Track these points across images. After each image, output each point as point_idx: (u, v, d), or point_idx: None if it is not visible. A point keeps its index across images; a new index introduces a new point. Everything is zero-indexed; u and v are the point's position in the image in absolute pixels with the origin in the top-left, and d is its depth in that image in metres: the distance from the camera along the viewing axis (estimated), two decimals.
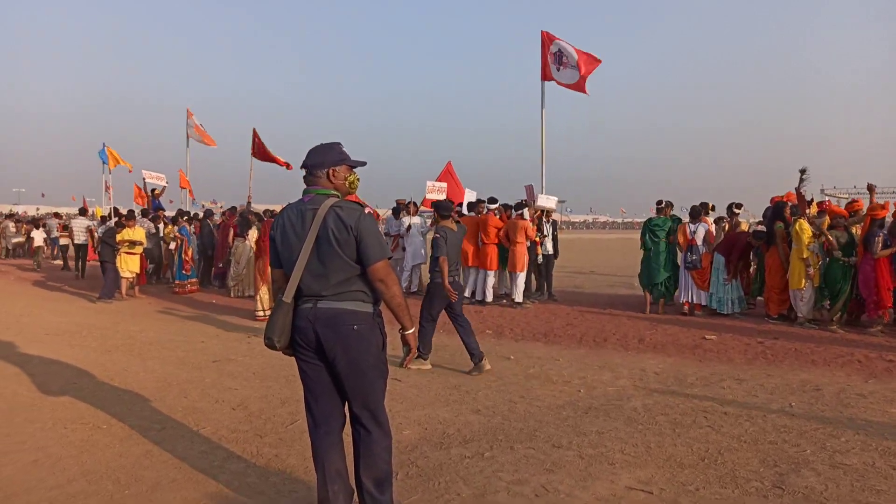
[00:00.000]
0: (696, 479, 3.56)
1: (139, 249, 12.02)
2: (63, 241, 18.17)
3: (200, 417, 4.72)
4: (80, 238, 15.78)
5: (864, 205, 8.48)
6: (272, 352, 3.00)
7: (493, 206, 10.82)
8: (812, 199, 8.85)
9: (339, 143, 2.95)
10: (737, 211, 9.88)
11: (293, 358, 2.93)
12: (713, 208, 10.01)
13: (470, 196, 12.15)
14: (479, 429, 4.45)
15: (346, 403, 2.91)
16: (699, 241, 9.03)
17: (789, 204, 8.59)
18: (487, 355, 6.97)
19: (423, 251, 11.58)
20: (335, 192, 2.86)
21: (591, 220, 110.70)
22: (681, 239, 9.26)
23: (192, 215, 14.71)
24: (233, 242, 12.36)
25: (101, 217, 16.61)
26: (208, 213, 14.90)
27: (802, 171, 8.79)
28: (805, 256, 7.96)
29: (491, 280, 10.46)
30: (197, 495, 3.38)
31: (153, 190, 16.10)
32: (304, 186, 2.91)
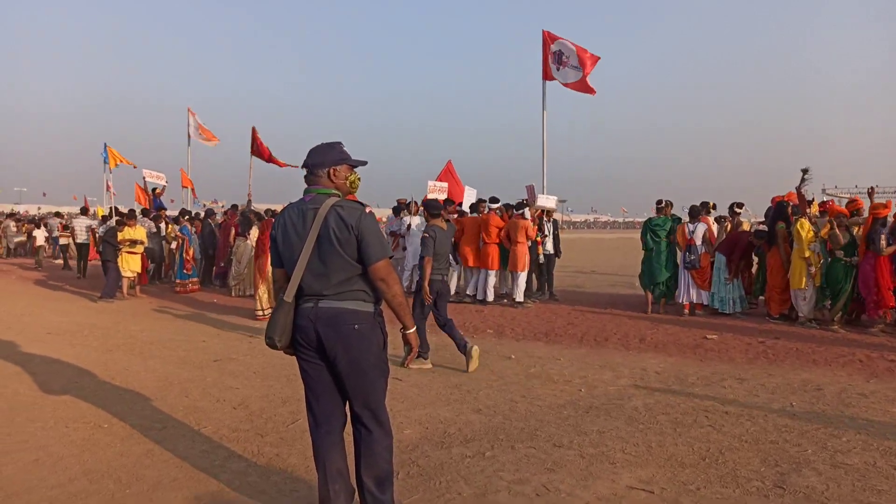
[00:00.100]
0: (697, 479, 3.55)
1: (140, 249, 12.03)
2: (63, 241, 18.18)
3: (201, 416, 4.72)
4: (81, 237, 15.79)
5: (864, 205, 8.49)
6: (273, 351, 3.00)
7: (494, 206, 10.82)
8: (813, 199, 8.85)
9: (339, 143, 2.95)
10: (738, 210, 9.88)
11: (294, 357, 2.93)
12: (714, 207, 10.01)
13: (470, 194, 12.13)
14: (480, 428, 4.45)
15: (347, 403, 2.91)
16: (698, 241, 9.02)
17: (790, 204, 8.59)
18: (488, 354, 6.99)
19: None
20: (336, 192, 2.86)
21: (592, 220, 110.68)
22: (679, 239, 9.26)
23: (193, 215, 14.72)
24: (234, 242, 12.37)
25: (102, 216, 16.61)
26: (209, 213, 14.91)
27: (804, 171, 8.79)
28: (806, 256, 7.96)
29: (492, 280, 10.46)
30: (198, 494, 3.38)
31: (154, 189, 16.11)
32: (305, 186, 2.91)
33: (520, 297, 10.03)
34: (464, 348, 6.19)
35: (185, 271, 12.75)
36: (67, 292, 13.01)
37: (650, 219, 9.85)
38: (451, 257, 10.76)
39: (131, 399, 5.17)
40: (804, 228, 7.99)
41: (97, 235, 14.67)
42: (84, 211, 17.94)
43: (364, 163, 2.99)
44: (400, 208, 12.17)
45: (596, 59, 11.58)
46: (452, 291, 10.79)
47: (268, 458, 3.91)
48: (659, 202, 9.97)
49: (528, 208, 10.31)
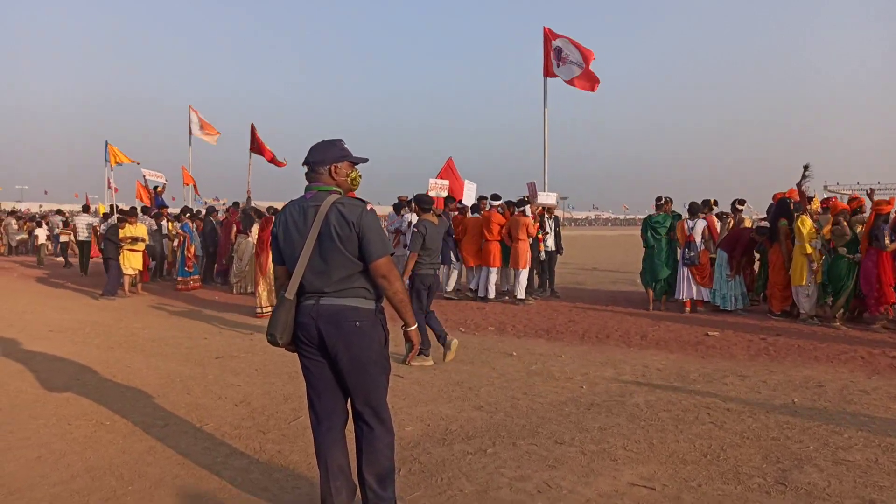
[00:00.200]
0: (699, 476, 3.55)
1: (141, 246, 12.04)
2: (63, 238, 18.20)
3: (203, 414, 4.73)
4: (83, 235, 15.81)
5: (866, 203, 8.48)
6: (275, 348, 3.00)
7: (496, 203, 10.81)
8: (814, 196, 8.83)
9: (340, 140, 2.95)
10: (740, 207, 9.87)
11: (296, 354, 2.93)
12: (716, 203, 10.00)
13: (470, 188, 12.09)
14: (482, 425, 4.45)
15: (349, 400, 2.91)
16: (697, 238, 9.01)
17: (792, 200, 8.58)
18: (489, 352, 6.99)
19: None
20: (337, 189, 2.85)
21: (593, 217, 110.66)
22: (679, 235, 9.26)
23: (194, 212, 14.73)
24: (235, 239, 12.38)
25: (104, 214, 16.63)
26: (211, 210, 14.92)
27: (805, 168, 8.78)
28: (808, 252, 7.95)
29: (493, 277, 10.45)
30: (200, 491, 3.39)
31: (156, 188, 16.13)
32: (306, 183, 2.91)
33: (521, 294, 10.04)
34: (443, 340, 6.36)
35: (186, 269, 12.76)
36: (69, 290, 13.03)
37: (650, 216, 9.84)
38: (451, 255, 10.82)
39: (133, 396, 5.18)
40: (805, 225, 7.98)
41: (98, 233, 14.69)
42: (86, 209, 17.96)
43: (365, 160, 2.99)
44: (401, 205, 12.16)
45: (591, 56, 11.57)
46: (451, 288, 10.81)
47: (270, 455, 3.91)
48: (658, 199, 9.96)
49: (529, 206, 10.31)
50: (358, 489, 2.93)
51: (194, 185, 18.79)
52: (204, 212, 14.77)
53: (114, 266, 11.69)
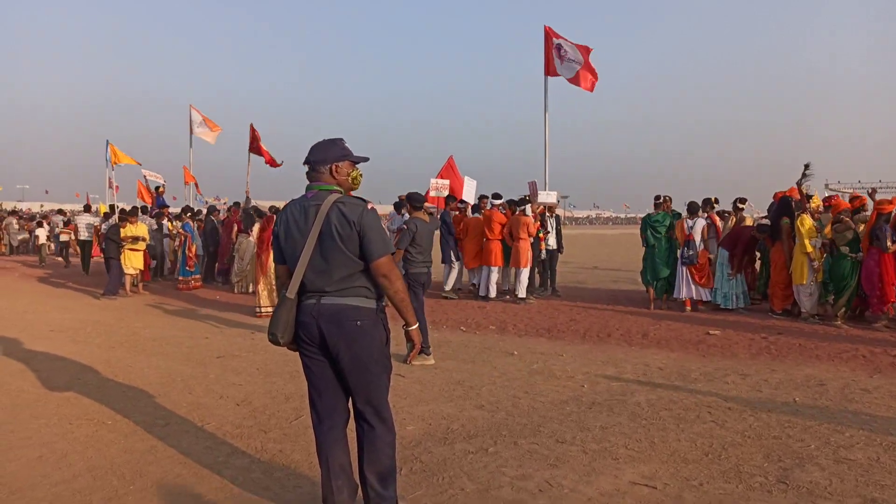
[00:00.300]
0: (700, 474, 3.55)
1: (142, 246, 12.04)
2: (64, 238, 18.22)
3: (205, 413, 4.73)
4: (84, 235, 15.82)
5: (868, 202, 8.47)
6: (276, 347, 3.00)
7: (497, 202, 10.81)
8: (814, 193, 8.81)
9: (341, 139, 2.94)
10: (741, 206, 9.86)
11: (297, 354, 2.93)
12: (717, 201, 10.00)
13: (470, 185, 12.07)
14: (483, 424, 4.45)
15: (350, 399, 2.91)
16: (696, 237, 9.01)
17: (794, 199, 8.57)
18: (490, 351, 6.99)
19: None
20: (338, 188, 2.85)
21: (594, 216, 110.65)
22: (678, 234, 9.25)
23: (195, 212, 14.76)
24: (236, 239, 12.38)
25: (105, 213, 16.66)
26: (212, 210, 14.94)
27: (806, 167, 8.76)
28: (808, 251, 7.95)
29: (494, 276, 10.45)
30: (202, 491, 3.39)
31: (157, 187, 16.15)
32: (305, 183, 2.91)
33: (522, 293, 10.03)
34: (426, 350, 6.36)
35: (187, 268, 12.77)
36: (70, 289, 13.04)
37: (649, 215, 9.82)
38: (452, 255, 10.82)
39: (134, 396, 5.18)
40: (805, 224, 7.98)
41: (100, 233, 14.71)
42: (87, 208, 17.98)
43: (366, 159, 2.98)
44: (401, 204, 12.14)
45: (589, 50, 11.58)
46: (449, 288, 10.81)
47: (271, 454, 3.91)
48: (657, 198, 9.95)
49: (530, 205, 10.30)
50: (359, 488, 2.93)
51: (196, 184, 18.80)
52: (205, 211, 14.79)
53: (115, 266, 11.70)
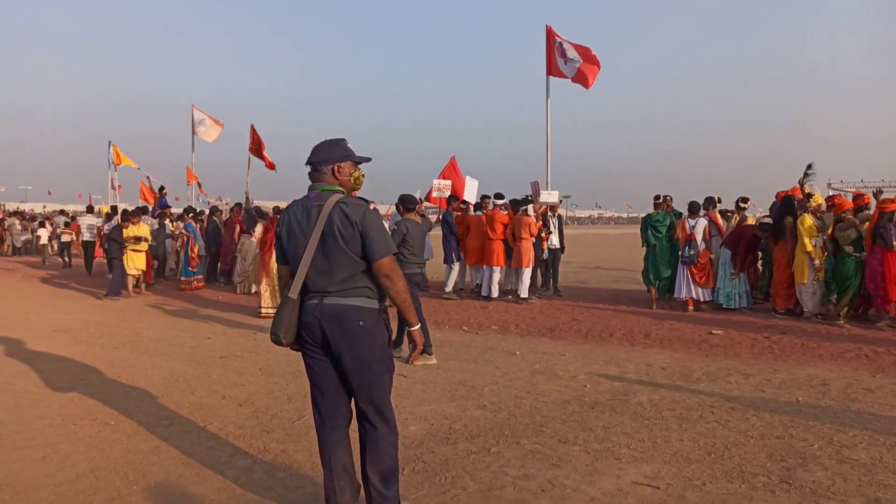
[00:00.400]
0: (703, 474, 3.55)
1: (145, 246, 12.05)
2: (66, 238, 18.25)
3: (207, 413, 4.74)
4: (87, 235, 15.85)
5: (871, 201, 8.44)
6: (278, 348, 3.01)
7: (499, 202, 10.80)
8: (814, 193, 8.78)
9: (343, 139, 2.95)
10: (743, 205, 9.84)
11: (299, 354, 2.94)
12: (719, 201, 9.98)
13: (471, 184, 12.07)
14: (485, 424, 4.45)
15: (353, 399, 2.91)
16: (698, 237, 8.99)
17: (796, 198, 8.55)
18: (493, 351, 7.00)
19: (429, 247, 11.58)
20: (340, 189, 2.85)
21: (596, 216, 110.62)
22: (679, 234, 9.23)
23: (198, 212, 14.78)
24: (239, 239, 12.39)
25: (106, 214, 16.69)
26: (214, 210, 14.95)
27: (809, 166, 8.74)
28: (808, 250, 7.94)
29: (497, 276, 10.45)
30: (204, 491, 3.39)
31: (162, 188, 16.19)
32: (305, 183, 2.91)
33: (524, 293, 10.03)
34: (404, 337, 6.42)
35: (190, 269, 12.79)
36: (73, 290, 13.07)
37: (649, 215, 9.81)
38: (454, 254, 10.82)
39: (137, 396, 5.19)
40: (804, 223, 7.97)
41: (102, 233, 14.73)
42: (90, 209, 18.01)
43: (368, 159, 2.98)
44: None
45: (588, 51, 11.60)
46: (450, 289, 10.81)
47: (274, 454, 3.92)
48: (657, 198, 9.94)
49: (532, 205, 10.30)
50: (362, 488, 2.93)
51: (198, 184, 18.81)
52: (207, 212, 14.81)
53: (118, 266, 11.71)
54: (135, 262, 11.85)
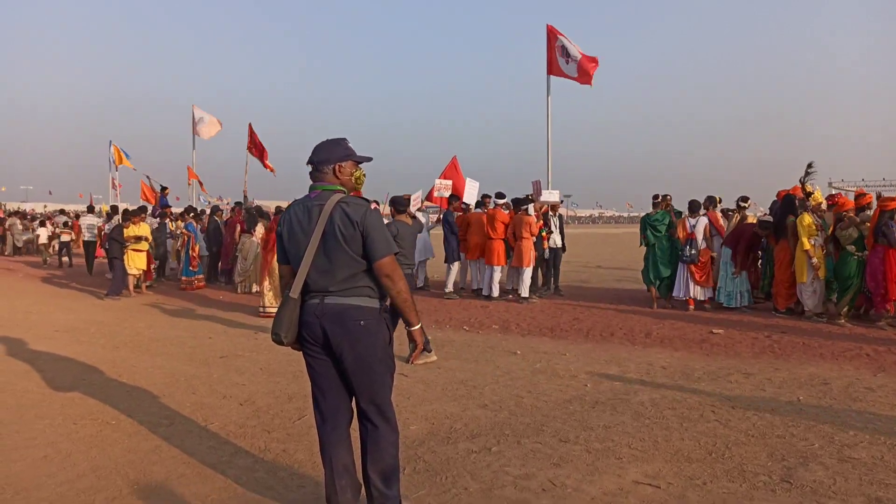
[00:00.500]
0: (704, 474, 3.55)
1: (145, 246, 12.06)
2: (65, 238, 18.26)
3: (208, 413, 4.74)
4: (87, 235, 15.86)
5: (873, 200, 8.44)
6: (279, 347, 3.01)
7: (500, 202, 10.80)
8: (814, 191, 8.78)
9: (344, 139, 2.95)
10: (743, 205, 9.84)
11: (300, 353, 2.94)
12: (720, 200, 9.97)
13: (472, 186, 12.07)
14: (486, 423, 4.45)
15: (354, 398, 2.91)
16: (699, 236, 8.99)
17: (797, 197, 8.55)
18: (493, 350, 6.99)
19: (429, 246, 11.60)
20: (341, 188, 2.86)
21: (597, 215, 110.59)
22: (680, 233, 9.22)
23: (198, 212, 14.79)
24: (239, 238, 12.40)
25: (107, 213, 16.70)
26: (215, 210, 14.96)
27: (809, 165, 8.73)
28: (806, 248, 7.94)
29: (497, 275, 10.45)
30: (206, 490, 3.40)
31: (164, 189, 16.19)
32: (304, 182, 2.92)
33: (525, 292, 10.03)
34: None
35: (190, 268, 12.79)
36: (74, 290, 13.07)
37: (648, 214, 9.79)
38: (455, 254, 10.82)
39: (138, 396, 5.20)
40: (803, 223, 7.97)
41: (103, 233, 14.74)
42: (90, 209, 18.01)
43: (369, 159, 2.99)
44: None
45: (594, 59, 11.60)
46: (449, 289, 10.81)
47: (275, 453, 3.92)
48: (655, 197, 9.94)
49: (532, 204, 10.30)
50: (363, 488, 2.94)
51: (200, 183, 18.82)
52: (208, 211, 14.82)
53: (118, 266, 11.72)
54: (135, 262, 11.86)
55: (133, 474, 3.60)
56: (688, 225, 9.10)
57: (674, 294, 9.29)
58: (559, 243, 11.05)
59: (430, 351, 6.37)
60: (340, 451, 2.89)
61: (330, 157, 2.86)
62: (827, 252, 8.15)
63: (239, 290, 12.19)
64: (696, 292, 9.09)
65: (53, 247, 19.70)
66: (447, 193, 11.76)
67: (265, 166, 14.64)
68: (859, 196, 8.71)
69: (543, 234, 10.49)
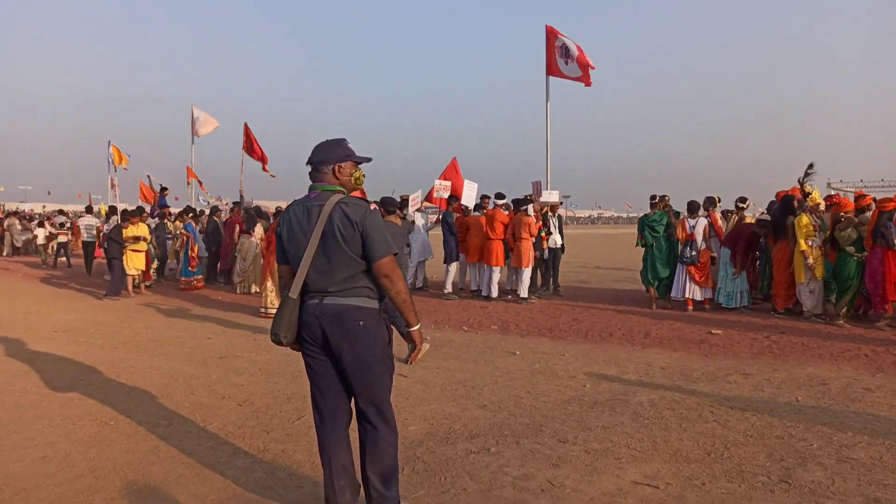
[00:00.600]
0: (703, 474, 3.55)
1: (144, 246, 12.05)
2: (62, 239, 18.23)
3: (207, 413, 4.74)
4: (86, 235, 15.84)
5: (872, 201, 8.43)
6: (278, 348, 3.01)
7: (500, 202, 10.80)
8: (811, 191, 8.79)
9: (344, 139, 2.95)
10: (742, 205, 9.85)
11: (299, 354, 2.94)
12: (719, 200, 9.98)
13: (470, 187, 12.08)
14: (485, 424, 4.45)
15: (353, 399, 2.92)
16: (698, 237, 8.99)
17: (796, 198, 8.55)
18: (492, 351, 6.99)
19: (428, 247, 11.60)
20: (341, 189, 2.86)
21: (596, 216, 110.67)
22: (679, 233, 9.23)
23: (198, 212, 14.78)
24: (238, 239, 12.39)
25: (105, 214, 16.67)
26: (214, 210, 14.95)
27: (810, 166, 8.74)
28: (802, 249, 7.95)
29: (496, 276, 10.45)
30: (204, 491, 3.39)
31: (164, 190, 16.16)
32: (301, 183, 2.92)
33: (524, 292, 10.04)
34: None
35: (189, 269, 12.79)
36: (72, 290, 13.06)
37: (646, 215, 9.80)
38: (453, 254, 10.81)
39: (137, 396, 5.19)
40: (800, 224, 7.98)
41: (102, 233, 14.72)
42: (89, 209, 17.99)
43: (369, 159, 2.99)
44: (403, 205, 12.14)
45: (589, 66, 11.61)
46: (448, 289, 10.81)
47: (273, 454, 3.92)
48: (653, 197, 9.94)
49: (531, 204, 10.30)
50: (362, 488, 2.94)
51: (199, 182, 18.80)
52: (207, 212, 14.80)
53: (117, 266, 11.71)
54: (134, 263, 11.85)
55: (131, 475, 3.60)
56: (687, 226, 9.10)
57: (673, 294, 9.30)
58: (559, 244, 11.06)
59: (426, 340, 6.37)
60: (339, 451, 2.90)
61: (329, 157, 2.86)
62: (823, 253, 8.15)
63: (238, 290, 12.19)
64: (695, 293, 9.09)
65: (52, 247, 19.68)
66: (446, 194, 11.75)
67: (265, 171, 14.66)
68: (859, 197, 8.72)
69: (543, 234, 10.49)
